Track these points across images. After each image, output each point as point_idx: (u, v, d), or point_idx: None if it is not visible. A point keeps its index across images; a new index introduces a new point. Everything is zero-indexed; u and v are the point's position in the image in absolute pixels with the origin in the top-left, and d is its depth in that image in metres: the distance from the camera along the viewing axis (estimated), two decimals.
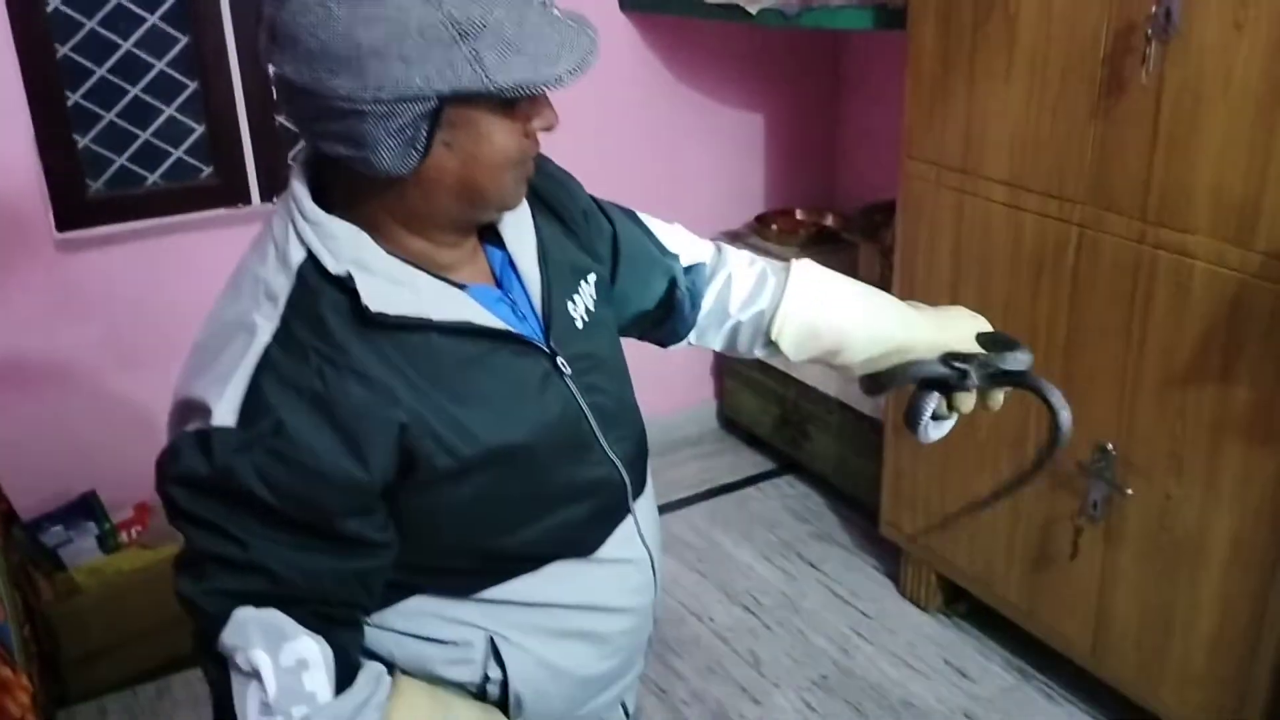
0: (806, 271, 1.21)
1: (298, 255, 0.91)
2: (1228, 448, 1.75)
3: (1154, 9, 1.65)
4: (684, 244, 1.26)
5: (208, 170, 2.49)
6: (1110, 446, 1.92)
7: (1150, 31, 1.66)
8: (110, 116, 2.36)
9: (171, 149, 2.45)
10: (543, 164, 1.11)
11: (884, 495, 2.50)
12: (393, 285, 0.92)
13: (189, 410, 0.89)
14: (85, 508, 2.39)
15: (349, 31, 0.82)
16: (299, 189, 0.94)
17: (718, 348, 1.29)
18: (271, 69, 0.87)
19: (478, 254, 1.04)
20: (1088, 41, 1.78)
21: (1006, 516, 2.17)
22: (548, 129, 0.94)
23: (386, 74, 0.82)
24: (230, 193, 2.49)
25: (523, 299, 1.04)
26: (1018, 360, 1.15)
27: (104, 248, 2.37)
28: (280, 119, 2.52)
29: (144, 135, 2.41)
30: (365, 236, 0.93)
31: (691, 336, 1.28)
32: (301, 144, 1.00)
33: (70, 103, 2.30)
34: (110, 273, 2.38)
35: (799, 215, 3.13)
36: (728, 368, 3.19)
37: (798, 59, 3.11)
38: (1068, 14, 1.80)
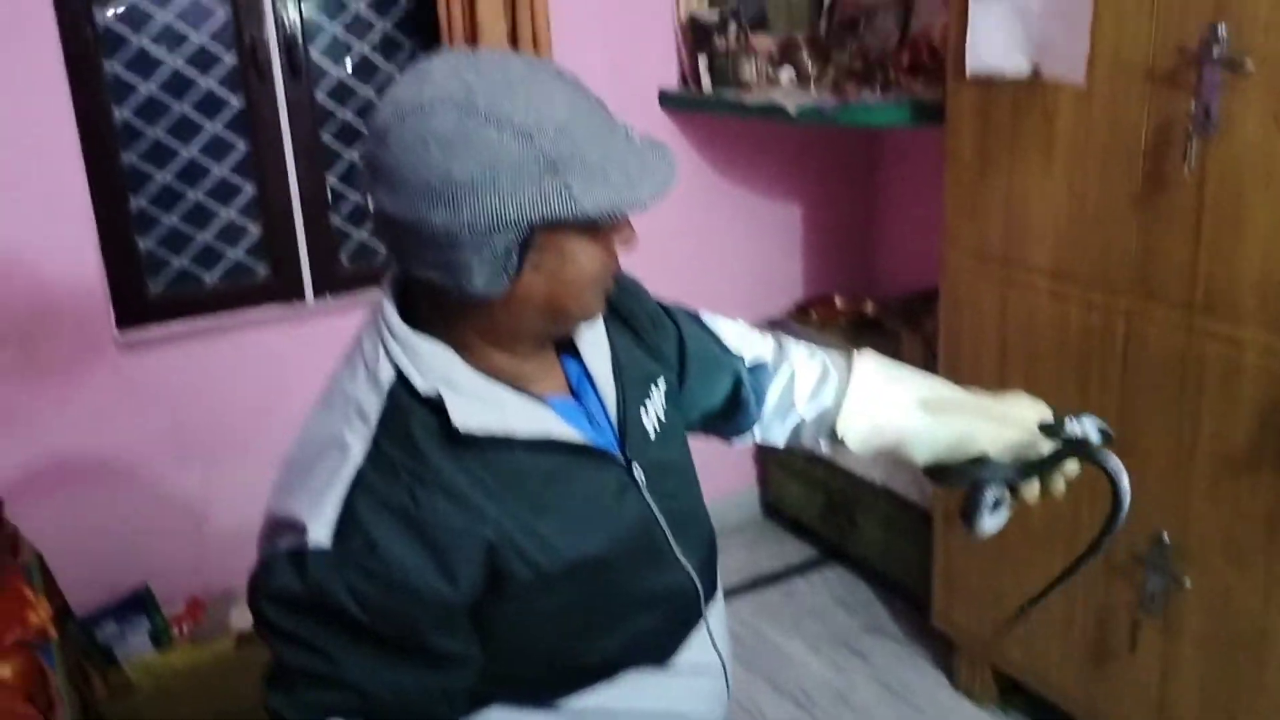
0: (868, 365, 1.24)
1: (387, 374, 0.95)
2: None
3: (1194, 106, 1.68)
4: (747, 342, 1.28)
5: (263, 269, 2.56)
6: (1165, 537, 1.90)
7: (1191, 128, 1.69)
8: (171, 220, 2.44)
9: (229, 249, 2.52)
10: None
11: (935, 586, 2.48)
12: (478, 403, 0.95)
13: (282, 527, 0.92)
14: (138, 602, 2.41)
15: (446, 169, 0.86)
16: (388, 308, 0.98)
17: (781, 443, 1.31)
18: (370, 201, 0.92)
19: (555, 366, 1.07)
20: (1128, 137, 1.81)
21: (1062, 608, 2.14)
22: (629, 246, 0.98)
23: (481, 207, 0.87)
24: (285, 290, 2.56)
25: (598, 409, 1.07)
26: (1083, 427, 1.16)
27: (162, 346, 2.44)
28: (334, 221, 2.60)
29: (203, 237, 2.49)
30: (452, 355, 0.96)
31: (755, 432, 1.30)
32: (386, 262, 1.04)
33: (133, 206, 2.39)
34: (168, 370, 2.44)
35: (838, 303, 3.15)
36: (770, 454, 3.19)
37: (835, 151, 3.17)
38: (1107, 111, 1.84)
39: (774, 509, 3.28)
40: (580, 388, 1.08)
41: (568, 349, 1.09)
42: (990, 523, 1.19)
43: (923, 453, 1.20)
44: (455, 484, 0.92)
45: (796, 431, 1.28)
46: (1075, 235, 1.95)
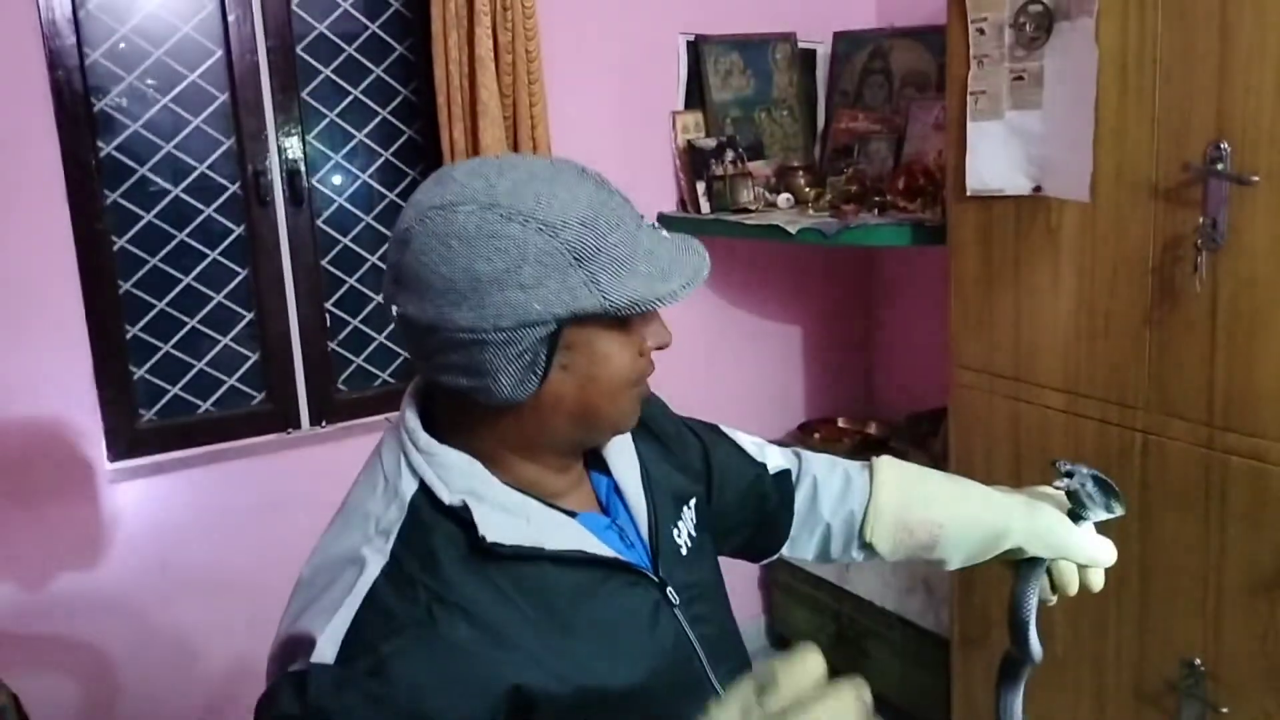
0: (891, 467, 1.20)
1: (410, 487, 0.91)
2: None
3: (1201, 220, 1.68)
4: (767, 452, 1.25)
5: (259, 397, 2.52)
6: (1198, 663, 1.83)
7: (1199, 241, 1.69)
8: (167, 347, 2.41)
9: (225, 377, 2.49)
10: None
11: (954, 717, 2.37)
12: (506, 515, 0.90)
13: (292, 647, 0.86)
14: None
15: (469, 265, 0.84)
16: (411, 420, 0.95)
17: (810, 556, 1.25)
18: (395, 310, 0.89)
19: (584, 481, 1.03)
20: (1136, 251, 1.81)
21: None
22: (662, 347, 0.96)
23: (505, 302, 0.84)
24: (281, 419, 2.51)
25: (629, 526, 1.02)
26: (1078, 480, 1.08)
27: (153, 476, 2.37)
28: (333, 345, 2.58)
29: (199, 365, 2.45)
30: (479, 466, 0.92)
31: (785, 548, 1.25)
32: (413, 378, 1.01)
33: (129, 335, 2.36)
34: (159, 501, 2.37)
35: (841, 424, 3.12)
36: (776, 580, 3.11)
37: (833, 273, 3.19)
38: (1112, 227, 1.84)
39: (782, 639, 3.17)
40: (610, 503, 1.04)
41: (596, 464, 1.04)
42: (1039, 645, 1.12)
43: (953, 550, 1.15)
44: (479, 604, 0.87)
45: (825, 541, 1.23)
46: (1086, 350, 1.93)
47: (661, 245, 0.91)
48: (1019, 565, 1.13)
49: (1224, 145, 1.64)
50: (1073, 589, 1.11)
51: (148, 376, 2.40)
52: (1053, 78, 1.88)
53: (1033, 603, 1.10)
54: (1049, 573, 1.12)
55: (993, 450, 2.16)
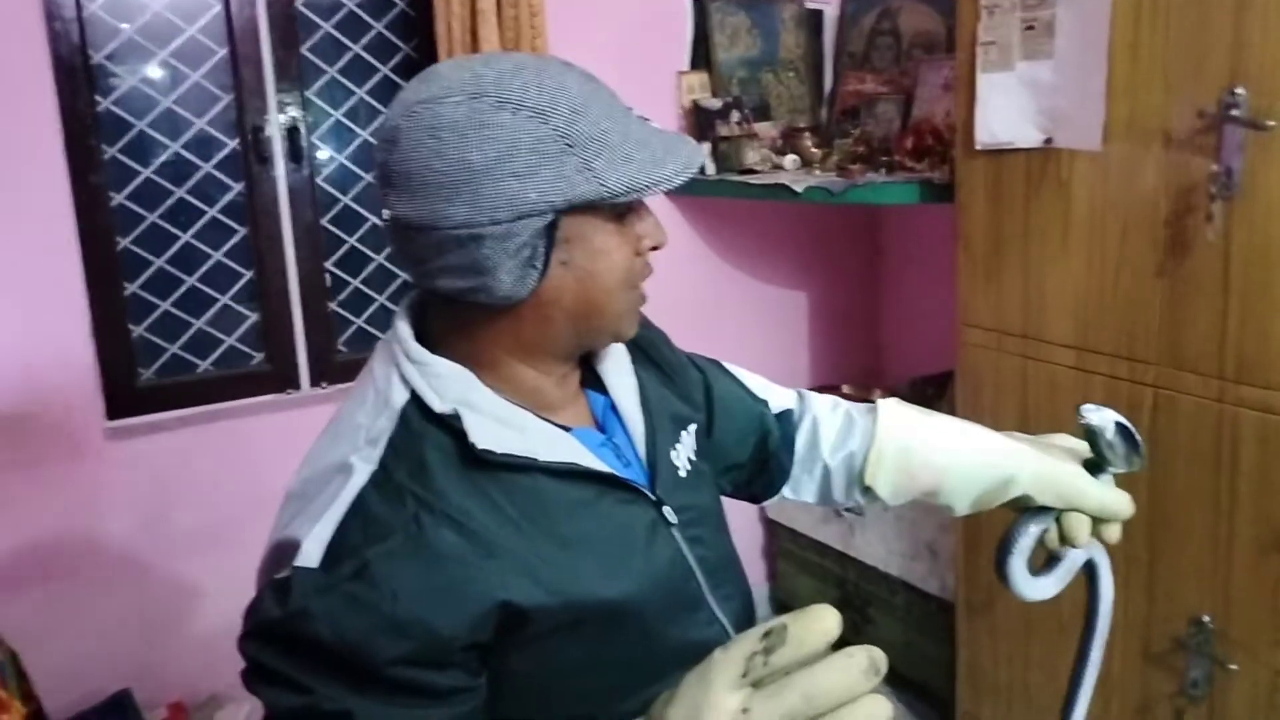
0: (895, 409, 1.14)
1: (401, 396, 0.88)
2: None
3: (1215, 168, 1.65)
4: (771, 391, 1.22)
5: (259, 357, 2.50)
6: (1207, 619, 1.81)
7: (1213, 190, 1.65)
8: (165, 306, 2.39)
9: (224, 336, 2.46)
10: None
11: (959, 683, 2.35)
12: (499, 425, 0.88)
13: (279, 554, 0.84)
14: (118, 707, 2.27)
15: (461, 156, 0.82)
16: (404, 331, 0.92)
17: (811, 499, 1.22)
18: (387, 214, 0.87)
19: (580, 397, 1.01)
20: (1147, 203, 1.78)
21: (1099, 700, 2.02)
22: (658, 247, 0.94)
23: (501, 192, 0.83)
24: (281, 379, 2.49)
25: (626, 445, 1.00)
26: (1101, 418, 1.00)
27: (152, 435, 2.35)
28: (332, 306, 2.55)
29: (198, 323, 2.43)
30: (472, 375, 0.90)
31: (786, 489, 1.22)
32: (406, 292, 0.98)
33: (127, 292, 2.33)
34: (158, 460, 2.36)
35: (845, 390, 3.09)
36: (780, 549, 3.09)
37: (839, 237, 3.16)
38: (1123, 178, 1.81)
39: (785, 606, 3.15)
40: (606, 422, 1.01)
41: (593, 384, 1.02)
42: (1029, 586, 1.04)
43: (959, 495, 1.09)
44: (469, 513, 0.84)
45: (825, 483, 1.19)
46: (1097, 305, 1.90)
47: (653, 135, 0.90)
48: (1019, 516, 1.05)
49: (1239, 90, 1.60)
50: (1081, 540, 1.03)
51: (146, 335, 2.38)
52: (1065, 25, 1.85)
53: (1021, 543, 1.02)
54: (1058, 523, 1.04)
55: (1000, 410, 2.13)
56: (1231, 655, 1.78)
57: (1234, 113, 1.61)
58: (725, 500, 1.20)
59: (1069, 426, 1.71)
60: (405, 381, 0.89)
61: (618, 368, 1.03)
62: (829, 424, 1.19)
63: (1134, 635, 1.94)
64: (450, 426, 0.87)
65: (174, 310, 2.40)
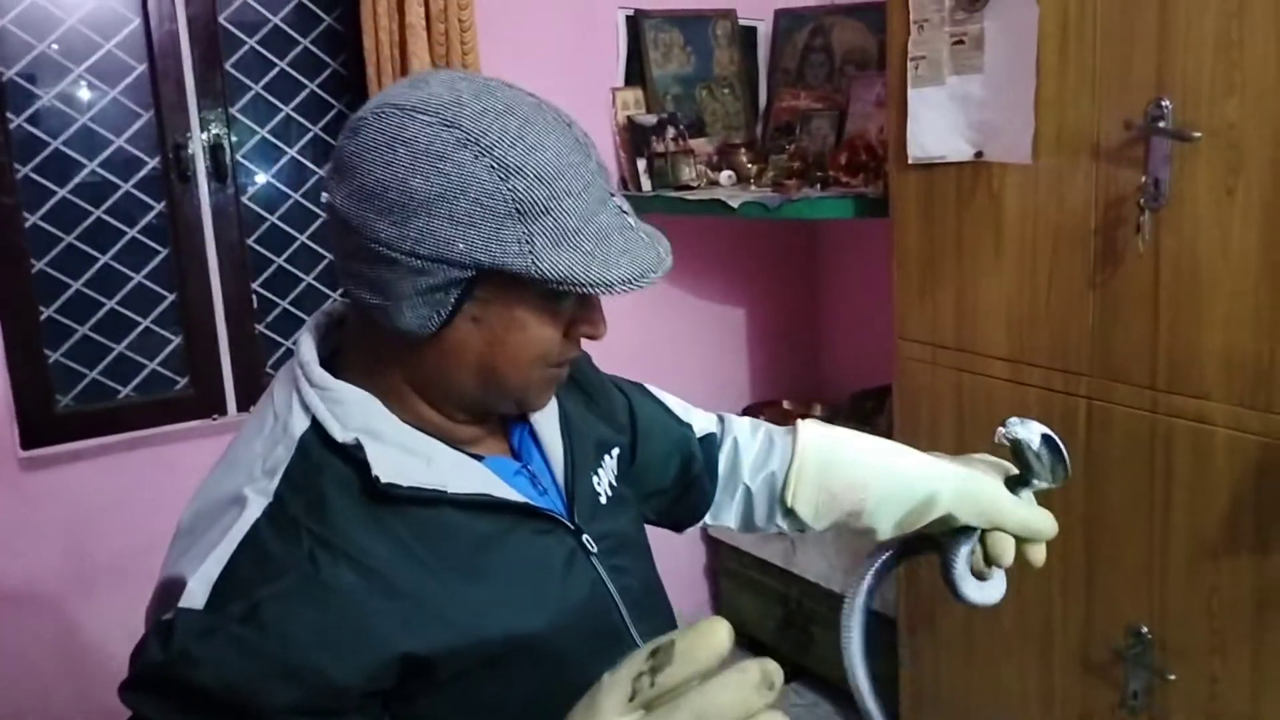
0: (815, 429, 1.11)
1: (300, 424, 0.83)
2: (1272, 622, 1.64)
3: (1143, 179, 1.66)
4: (693, 414, 1.19)
5: (182, 382, 2.42)
6: (1145, 630, 1.81)
7: (1141, 201, 1.66)
8: (84, 330, 2.30)
9: (146, 361, 2.38)
10: None
11: (902, 699, 2.34)
12: (405, 454, 0.83)
13: (166, 594, 0.78)
14: None
15: (406, 178, 0.78)
16: (306, 352, 0.87)
17: (733, 523, 1.19)
18: (324, 196, 0.83)
19: (494, 424, 0.96)
20: (1077, 214, 1.79)
21: (1039, 712, 2.02)
22: (592, 338, 0.88)
23: (429, 229, 0.78)
24: (206, 404, 2.41)
25: (543, 472, 0.96)
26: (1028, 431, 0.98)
27: (70, 464, 2.26)
28: (260, 328, 2.48)
29: (118, 348, 2.35)
30: (376, 403, 0.85)
31: (708, 515, 1.18)
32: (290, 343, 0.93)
33: (43, 316, 2.25)
34: (76, 490, 2.26)
35: (786, 406, 3.08)
36: (724, 568, 3.06)
37: (778, 250, 3.15)
38: (1053, 189, 1.82)
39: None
40: (523, 448, 0.97)
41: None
42: (978, 590, 1.03)
43: (883, 520, 1.05)
44: (368, 551, 0.79)
45: (747, 507, 1.16)
46: (1030, 317, 1.90)
47: (621, 232, 0.83)
48: (950, 536, 1.03)
49: (1165, 102, 1.62)
50: (1006, 560, 1.01)
51: (64, 360, 2.29)
52: (993, 40, 1.86)
53: (961, 564, 1.00)
54: (982, 544, 1.02)
55: (937, 424, 2.13)
56: (1170, 665, 1.78)
57: (1160, 124, 1.63)
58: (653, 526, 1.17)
59: (999, 437, 1.68)
60: (306, 408, 0.84)
61: None
62: (749, 446, 1.16)
63: (1073, 646, 1.94)
64: (352, 457, 0.82)
65: (93, 335, 2.31)
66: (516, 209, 0.78)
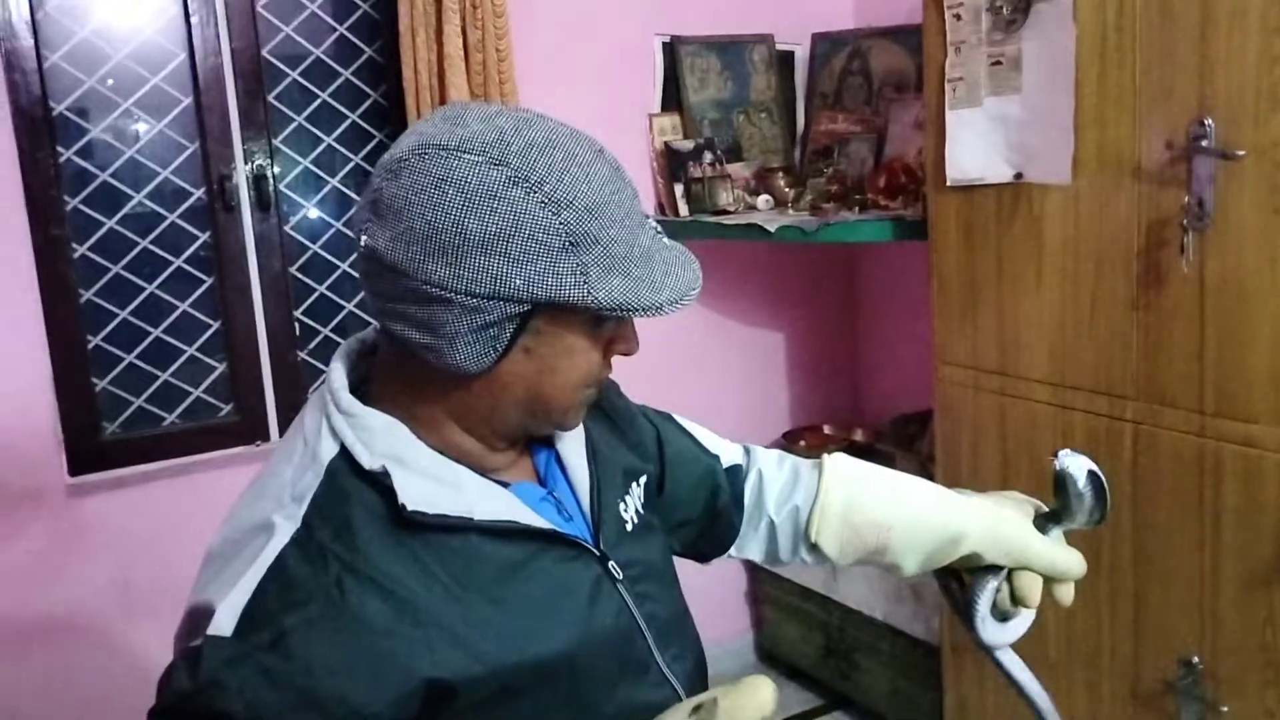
0: (841, 464, 1.10)
1: (329, 450, 0.84)
2: None
3: (1186, 199, 1.63)
4: (720, 445, 1.18)
5: (226, 408, 2.45)
6: (1195, 660, 1.76)
7: (1185, 222, 1.63)
8: (130, 358, 2.34)
9: (191, 389, 2.42)
10: None
11: None
12: (432, 482, 0.84)
13: (195, 620, 0.78)
14: None
15: (461, 219, 0.78)
16: (337, 379, 0.88)
17: (758, 557, 1.18)
18: (364, 240, 0.83)
19: (523, 452, 0.96)
20: (1119, 236, 1.76)
21: None
22: (627, 354, 0.90)
23: (486, 268, 0.78)
24: (249, 431, 2.44)
25: (569, 498, 0.95)
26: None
27: (116, 491, 2.30)
28: (302, 355, 2.51)
29: (164, 376, 2.38)
30: (405, 430, 0.86)
31: (732, 547, 1.18)
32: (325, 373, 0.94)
33: (91, 345, 2.29)
34: (121, 516, 2.30)
35: (827, 430, 3.06)
36: (765, 594, 3.03)
37: (815, 273, 3.14)
38: (1095, 211, 1.79)
39: (770, 655, 3.09)
40: (549, 475, 0.97)
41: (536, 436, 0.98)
42: (999, 630, 1.02)
43: (908, 555, 1.05)
44: (395, 578, 0.79)
45: (771, 540, 1.15)
46: (1073, 340, 1.87)
47: (660, 252, 0.85)
48: (976, 573, 1.02)
49: (1208, 121, 1.59)
50: (1033, 600, 1.00)
51: (110, 388, 2.33)
52: (1031, 60, 1.84)
53: (983, 604, 1.00)
54: (1010, 582, 1.01)
55: (979, 449, 2.10)
56: (1222, 697, 1.73)
57: (1203, 143, 1.60)
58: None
59: (1048, 461, 1.65)
60: (335, 434, 0.84)
61: None
62: (774, 479, 1.15)
63: (1122, 677, 1.90)
64: (380, 484, 0.82)
65: (139, 362, 2.36)
66: (570, 242, 0.79)
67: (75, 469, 2.25)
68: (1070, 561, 0.99)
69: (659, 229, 0.88)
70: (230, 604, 0.76)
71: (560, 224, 0.79)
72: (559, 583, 0.88)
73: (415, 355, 0.83)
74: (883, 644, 2.60)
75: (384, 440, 0.84)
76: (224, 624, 0.75)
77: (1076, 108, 1.77)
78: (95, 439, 2.30)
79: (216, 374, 2.44)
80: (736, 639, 3.13)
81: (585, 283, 0.79)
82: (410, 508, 0.81)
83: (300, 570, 0.77)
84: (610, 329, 0.87)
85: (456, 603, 0.81)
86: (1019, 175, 1.90)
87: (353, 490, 0.82)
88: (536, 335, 0.83)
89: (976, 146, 1.97)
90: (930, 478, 2.32)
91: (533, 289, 0.79)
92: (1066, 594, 1.01)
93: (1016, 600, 1.00)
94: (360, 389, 0.89)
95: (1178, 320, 1.70)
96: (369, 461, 0.82)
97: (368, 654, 0.76)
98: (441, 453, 0.87)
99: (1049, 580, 1.00)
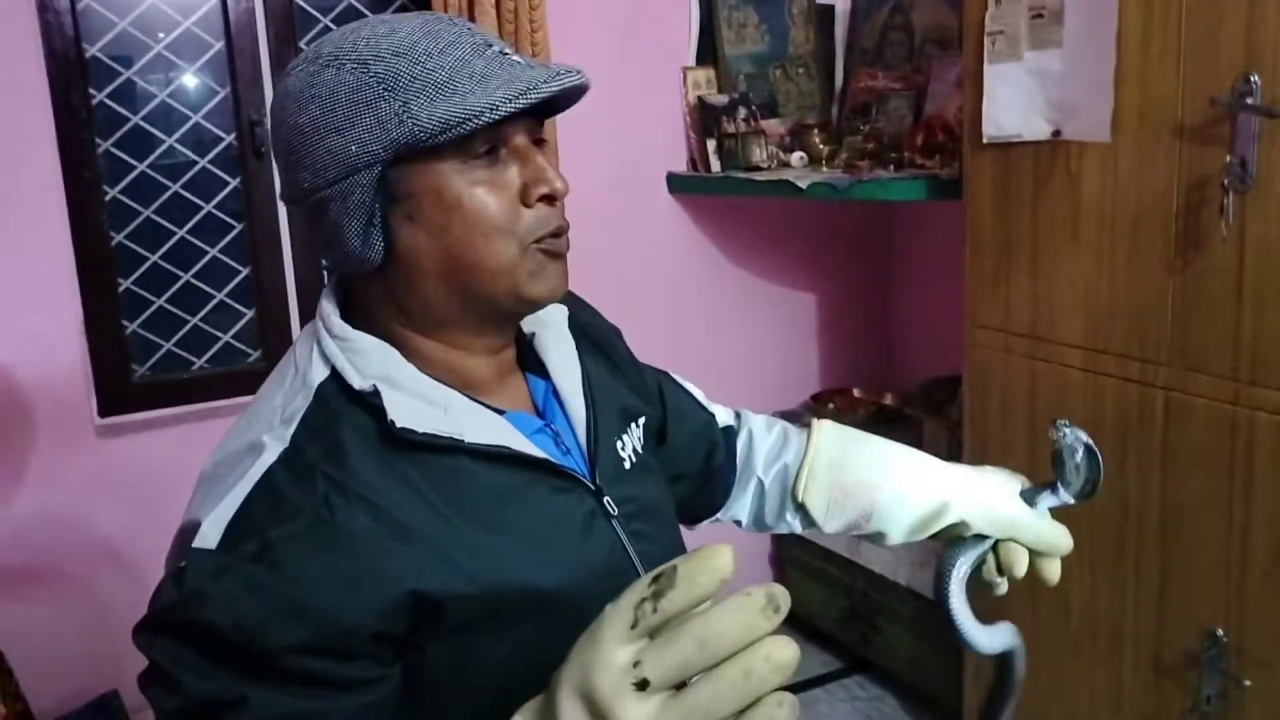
0: (830, 426, 1.10)
1: (320, 374, 0.84)
2: None
3: (1228, 159, 1.57)
4: (713, 406, 1.18)
5: (255, 354, 2.47)
6: (1220, 633, 1.72)
7: (1226, 182, 1.58)
8: (160, 302, 2.36)
9: (220, 334, 2.44)
10: (587, 307, 1.07)
11: (967, 697, 2.28)
12: (422, 402, 0.83)
13: (183, 539, 0.78)
14: (105, 709, 2.24)
15: (295, 121, 0.82)
16: (327, 306, 0.88)
17: (744, 518, 1.17)
18: (281, 199, 0.89)
19: (518, 381, 0.95)
20: (1158, 197, 1.71)
21: (1107, 715, 1.95)
22: (550, 194, 0.85)
23: (327, 150, 0.81)
24: None
25: (567, 432, 0.94)
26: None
27: (145, 432, 2.33)
28: None
29: (193, 320, 2.40)
30: (394, 352, 0.85)
31: (719, 511, 1.17)
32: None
33: (121, 288, 2.31)
34: (149, 458, 2.33)
35: (856, 393, 3.02)
36: (788, 556, 3.02)
37: (848, 233, 3.09)
38: (1134, 170, 1.74)
39: (791, 615, 3.03)
40: (547, 407, 0.95)
41: (537, 370, 0.97)
42: (970, 622, 0.95)
43: (895, 523, 1.02)
44: (383, 495, 0.79)
45: (759, 501, 1.14)
46: (1107, 304, 1.82)
47: (504, 68, 0.81)
48: (956, 542, 0.99)
49: (1254, 78, 1.53)
50: (1018, 571, 0.96)
51: (140, 331, 2.35)
52: (1073, 13, 1.78)
53: (958, 573, 0.95)
54: (995, 553, 0.97)
55: (1008, 414, 2.06)
56: (1246, 671, 1.70)
57: (1248, 101, 1.54)
58: None
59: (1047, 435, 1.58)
60: (325, 359, 0.84)
61: (560, 351, 0.97)
62: (764, 440, 1.14)
63: (1145, 648, 1.86)
64: (370, 405, 0.82)
65: (169, 307, 2.38)
66: (384, 88, 0.79)
67: (105, 410, 2.28)
68: (1058, 535, 0.97)
69: (511, 52, 0.84)
70: (216, 518, 0.76)
71: (370, 77, 0.80)
72: (552, 514, 0.87)
73: (348, 277, 0.87)
74: (905, 609, 2.58)
75: (375, 362, 0.84)
76: (210, 537, 0.76)
77: (1118, 63, 1.72)
78: (125, 381, 2.32)
79: (245, 319, 2.46)
80: None
81: (410, 117, 0.79)
82: (399, 424, 0.80)
83: (288, 486, 0.77)
84: (512, 169, 0.83)
85: (446, 523, 0.80)
86: (1057, 133, 1.85)
87: (343, 411, 0.82)
88: (409, 200, 0.82)
89: (1014, 102, 1.91)
90: (958, 443, 2.29)
91: (368, 147, 0.80)
92: (1053, 570, 0.98)
93: (1002, 570, 0.97)
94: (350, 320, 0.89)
95: (1215, 284, 1.65)
96: (359, 382, 0.82)
97: (354, 567, 0.76)
98: (434, 377, 0.86)
99: (1035, 555, 0.97)
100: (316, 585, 0.74)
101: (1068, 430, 0.94)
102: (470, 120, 0.78)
